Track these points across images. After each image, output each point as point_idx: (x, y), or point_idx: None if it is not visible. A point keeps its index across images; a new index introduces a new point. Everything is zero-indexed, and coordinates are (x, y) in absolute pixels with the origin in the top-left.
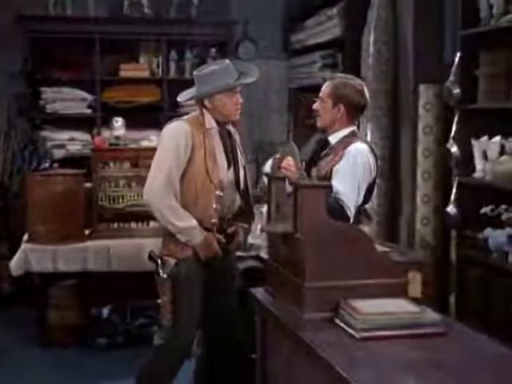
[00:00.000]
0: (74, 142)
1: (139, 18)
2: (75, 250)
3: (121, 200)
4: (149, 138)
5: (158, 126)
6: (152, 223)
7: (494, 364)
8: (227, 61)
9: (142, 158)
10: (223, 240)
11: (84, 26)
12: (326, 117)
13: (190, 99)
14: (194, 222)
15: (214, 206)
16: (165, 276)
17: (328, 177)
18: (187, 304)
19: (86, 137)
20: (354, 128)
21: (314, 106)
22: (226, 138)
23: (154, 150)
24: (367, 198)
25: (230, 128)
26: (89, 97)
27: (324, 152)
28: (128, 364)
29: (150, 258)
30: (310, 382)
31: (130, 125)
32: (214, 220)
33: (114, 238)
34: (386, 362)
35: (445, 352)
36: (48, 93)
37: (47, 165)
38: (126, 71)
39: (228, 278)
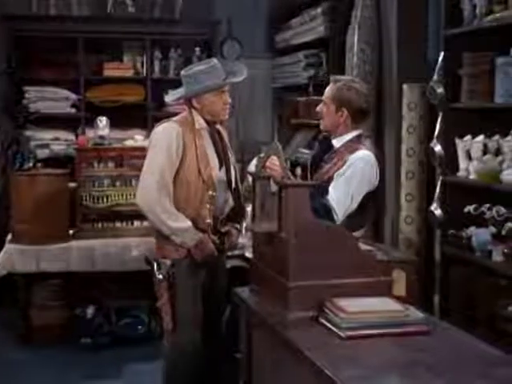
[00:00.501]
0: (57, 141)
1: (123, 17)
2: (59, 250)
3: (105, 200)
4: (133, 138)
5: (143, 125)
6: (136, 223)
7: (478, 362)
8: (215, 60)
9: (126, 158)
10: (217, 241)
11: (67, 25)
12: (329, 120)
13: (178, 99)
14: (189, 223)
15: (208, 206)
16: (161, 277)
17: (331, 181)
18: (185, 304)
19: (70, 136)
20: (360, 132)
21: (318, 109)
22: (217, 137)
23: (138, 149)
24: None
25: (219, 127)
26: (73, 96)
27: (327, 155)
28: (112, 364)
29: (146, 261)
30: (294, 381)
31: (114, 124)
32: (208, 221)
33: (98, 237)
34: (370, 360)
35: (429, 350)
36: (32, 92)
37: (31, 164)
38: (110, 70)
39: (220, 278)
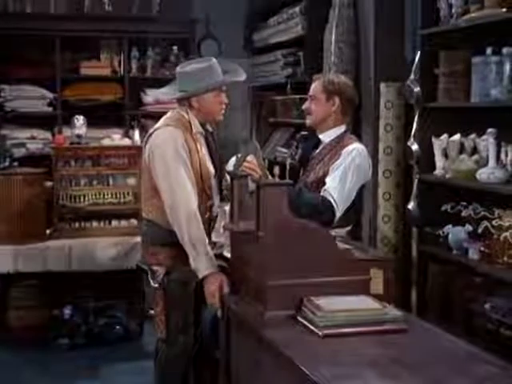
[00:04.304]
0: (34, 140)
1: (100, 16)
2: (36, 250)
3: (82, 199)
4: (110, 137)
5: (120, 124)
6: (114, 222)
7: (455, 359)
8: (213, 59)
9: (103, 157)
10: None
11: (44, 24)
12: (319, 113)
13: (183, 96)
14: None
15: (208, 214)
16: (156, 285)
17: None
18: (179, 313)
19: (47, 135)
20: (346, 128)
21: (304, 107)
22: (211, 141)
23: (115, 148)
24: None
25: (210, 128)
26: (49, 95)
27: (317, 151)
28: (90, 364)
29: (138, 268)
30: (272, 380)
31: (91, 123)
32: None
33: (75, 237)
34: (347, 358)
35: (406, 348)
36: (7, 90)
37: (7, 164)
38: (87, 69)
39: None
